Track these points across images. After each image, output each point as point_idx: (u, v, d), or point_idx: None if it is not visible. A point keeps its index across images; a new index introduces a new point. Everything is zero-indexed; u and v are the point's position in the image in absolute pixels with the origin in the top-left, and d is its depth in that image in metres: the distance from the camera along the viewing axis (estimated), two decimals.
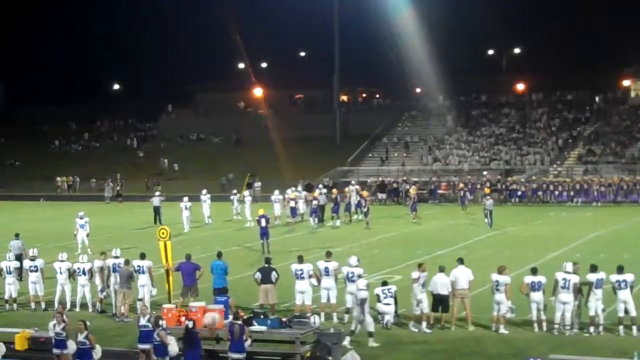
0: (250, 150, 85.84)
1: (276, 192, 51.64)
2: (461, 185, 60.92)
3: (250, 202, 51.09)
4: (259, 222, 39.12)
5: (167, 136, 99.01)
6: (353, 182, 57.99)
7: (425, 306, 22.99)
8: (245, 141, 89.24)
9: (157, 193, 53.60)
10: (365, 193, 50.39)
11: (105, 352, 19.99)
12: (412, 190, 54.01)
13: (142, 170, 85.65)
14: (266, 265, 24.91)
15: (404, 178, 67.49)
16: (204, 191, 51.88)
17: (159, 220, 49.23)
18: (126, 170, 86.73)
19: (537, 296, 22.40)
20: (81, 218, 40.02)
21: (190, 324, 18.56)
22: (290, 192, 51.35)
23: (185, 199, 48.99)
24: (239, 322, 19.21)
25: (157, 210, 50.79)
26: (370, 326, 21.79)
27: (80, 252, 34.47)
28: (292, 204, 49.45)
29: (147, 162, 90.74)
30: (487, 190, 52.73)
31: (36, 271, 26.53)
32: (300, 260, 24.60)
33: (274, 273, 24.48)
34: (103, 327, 23.81)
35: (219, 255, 26.19)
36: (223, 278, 25.12)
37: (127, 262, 25.61)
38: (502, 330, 22.53)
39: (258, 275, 24.53)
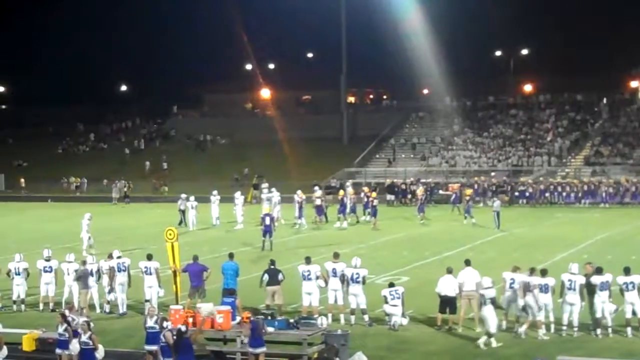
0: (257, 151, 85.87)
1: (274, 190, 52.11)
2: (455, 186, 60.99)
3: (242, 204, 50.87)
4: (263, 220, 39.79)
5: (174, 137, 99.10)
6: (348, 183, 58.27)
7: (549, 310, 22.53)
8: (252, 142, 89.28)
9: (184, 195, 52.33)
10: (373, 194, 50.30)
11: (112, 353, 20.02)
12: (419, 191, 53.96)
13: (129, 172, 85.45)
14: (272, 266, 24.94)
15: (412, 179, 67.40)
16: (215, 192, 51.56)
17: (184, 222, 49.27)
18: (132, 171, 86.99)
19: (545, 298, 22.32)
20: (90, 219, 40.15)
21: (183, 328, 18.44)
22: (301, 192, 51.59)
23: (192, 198, 49.02)
24: (261, 317, 19.61)
25: (183, 212, 50.32)
26: (492, 327, 21.64)
27: (94, 252, 34.63)
28: (318, 202, 49.81)
29: (132, 161, 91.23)
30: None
31: (50, 272, 26.56)
32: (308, 261, 24.57)
33: (280, 274, 24.57)
34: (110, 328, 23.84)
35: (231, 256, 26.18)
36: (233, 279, 25.11)
37: (83, 263, 26.02)
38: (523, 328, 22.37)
39: (266, 276, 24.57)
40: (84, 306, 25.04)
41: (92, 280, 26.02)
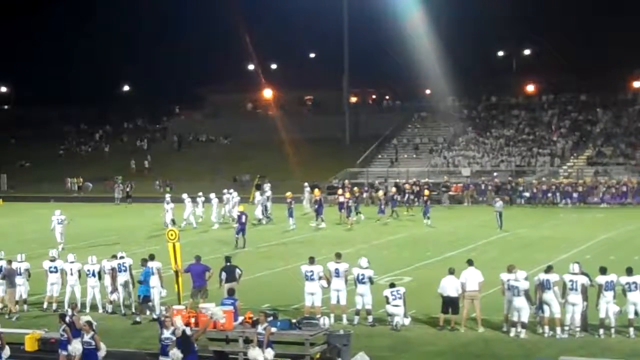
0: (259, 151, 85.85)
1: (257, 193, 52.88)
2: (407, 186, 61.27)
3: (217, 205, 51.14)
4: (239, 218, 40.85)
5: (176, 137, 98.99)
6: (306, 183, 58.73)
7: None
8: (254, 142, 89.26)
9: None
10: (348, 194, 50.84)
11: (114, 353, 20.01)
12: (380, 193, 54.23)
13: (110, 169, 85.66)
14: (228, 263, 25.38)
15: (414, 180, 67.41)
16: (186, 195, 51.55)
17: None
18: (135, 172, 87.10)
19: (547, 295, 22.26)
20: (60, 222, 41.35)
21: (188, 331, 18.37)
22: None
23: (167, 197, 49.40)
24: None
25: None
26: (525, 317, 22.13)
27: (60, 249, 35.26)
28: (341, 199, 50.20)
29: (114, 159, 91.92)
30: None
31: (56, 272, 26.67)
32: (311, 261, 24.54)
33: (237, 270, 25.01)
34: (112, 328, 23.85)
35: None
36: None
37: (9, 262, 26.48)
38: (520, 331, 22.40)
39: (223, 275, 24.88)
40: (9, 304, 25.89)
41: (20, 279, 26.57)
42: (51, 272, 26.71)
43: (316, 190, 53.20)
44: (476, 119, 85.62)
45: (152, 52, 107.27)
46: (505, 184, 64.58)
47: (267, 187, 54.54)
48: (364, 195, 62.42)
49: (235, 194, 52.16)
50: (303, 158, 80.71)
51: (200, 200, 51.62)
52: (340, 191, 52.54)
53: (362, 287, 23.79)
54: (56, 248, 33.32)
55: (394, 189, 56.76)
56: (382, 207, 51.34)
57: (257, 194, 53.38)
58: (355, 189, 56.04)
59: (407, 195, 58.69)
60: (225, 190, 52.97)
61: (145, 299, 24.93)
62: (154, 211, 51.85)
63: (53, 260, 26.94)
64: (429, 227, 47.85)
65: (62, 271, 26.66)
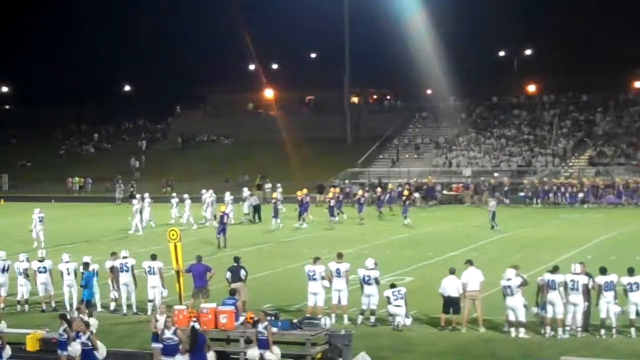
0: (260, 151, 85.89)
1: (227, 193, 52.24)
2: (390, 186, 61.41)
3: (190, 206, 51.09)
4: (221, 218, 41.11)
5: (177, 137, 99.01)
6: (278, 185, 58.75)
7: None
8: (255, 142, 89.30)
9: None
10: (330, 194, 51.07)
11: (114, 353, 20.00)
12: (360, 192, 54.33)
13: (111, 169, 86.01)
14: (235, 264, 25.25)
15: (414, 179, 67.46)
16: (147, 194, 51.80)
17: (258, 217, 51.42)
18: (134, 171, 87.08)
19: (552, 296, 22.25)
20: (41, 220, 42.10)
21: (197, 325, 18.35)
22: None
23: (138, 195, 49.65)
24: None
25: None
26: (521, 316, 22.22)
27: (36, 247, 36.11)
28: (332, 202, 50.02)
29: (115, 159, 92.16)
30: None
31: (45, 272, 26.61)
32: (315, 261, 24.53)
33: (242, 271, 24.93)
34: (113, 328, 23.85)
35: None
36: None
37: None
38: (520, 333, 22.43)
39: (229, 274, 24.80)
40: None
41: (22, 279, 26.72)
42: (40, 272, 26.64)
43: (303, 190, 52.86)
44: (477, 119, 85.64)
45: (153, 52, 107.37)
46: (503, 184, 64.50)
47: (246, 191, 54.52)
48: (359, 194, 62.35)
49: (210, 192, 51.62)
50: (304, 158, 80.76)
51: (174, 201, 51.58)
52: (331, 194, 52.15)
53: (370, 288, 23.79)
54: (40, 247, 33.48)
55: (379, 189, 56.79)
56: (362, 206, 51.40)
57: (227, 193, 52.96)
58: (338, 189, 56.06)
59: (388, 195, 58.66)
60: (203, 191, 52.68)
61: (88, 303, 24.64)
62: (155, 210, 51.69)
63: (41, 260, 26.91)
64: (409, 227, 47.76)
65: (51, 271, 26.64)
